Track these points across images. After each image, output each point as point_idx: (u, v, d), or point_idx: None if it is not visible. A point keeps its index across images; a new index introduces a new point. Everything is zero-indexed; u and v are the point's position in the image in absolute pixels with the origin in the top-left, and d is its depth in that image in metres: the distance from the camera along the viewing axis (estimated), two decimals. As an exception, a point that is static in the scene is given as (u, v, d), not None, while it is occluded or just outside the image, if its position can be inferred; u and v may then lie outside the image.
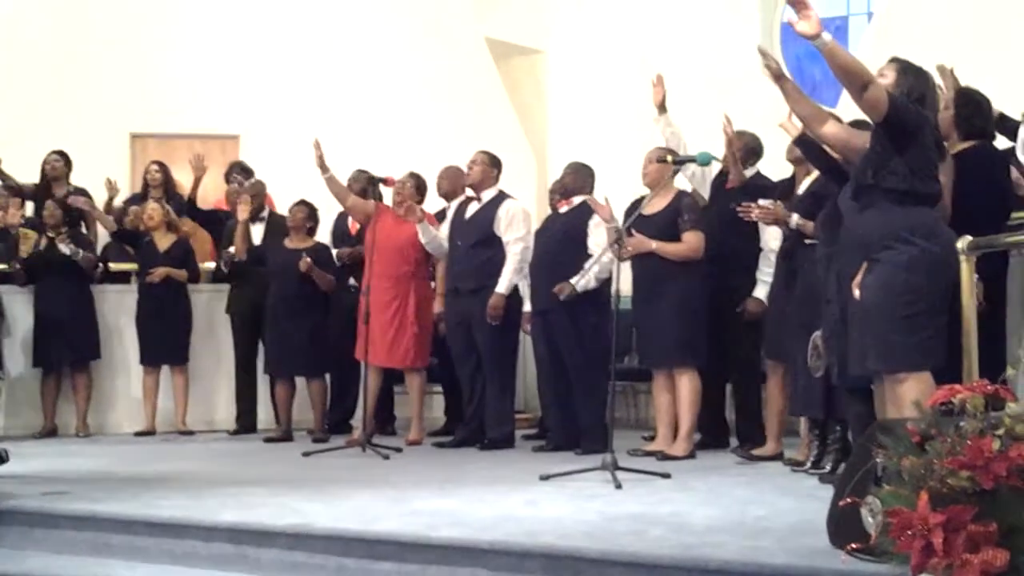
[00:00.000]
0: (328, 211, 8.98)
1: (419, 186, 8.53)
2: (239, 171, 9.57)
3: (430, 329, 8.37)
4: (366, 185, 8.69)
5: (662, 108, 7.75)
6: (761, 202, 6.66)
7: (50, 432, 8.95)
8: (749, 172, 7.40)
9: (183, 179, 10.03)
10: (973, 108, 5.89)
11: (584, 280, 7.24)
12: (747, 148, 7.39)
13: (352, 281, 8.68)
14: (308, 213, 8.68)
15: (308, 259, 8.41)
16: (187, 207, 9.62)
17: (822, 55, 4.52)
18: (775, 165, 7.42)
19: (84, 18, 10.86)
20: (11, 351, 9.00)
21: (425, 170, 8.81)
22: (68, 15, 10.85)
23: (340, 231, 9.13)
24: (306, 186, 8.90)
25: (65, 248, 8.85)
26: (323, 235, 9.02)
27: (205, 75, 11.06)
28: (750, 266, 7.29)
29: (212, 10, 11.13)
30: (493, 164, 8.16)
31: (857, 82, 4.56)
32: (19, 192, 9.49)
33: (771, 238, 7.10)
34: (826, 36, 4.49)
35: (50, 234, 9.01)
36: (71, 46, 10.80)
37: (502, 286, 7.85)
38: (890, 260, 4.65)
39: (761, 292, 7.26)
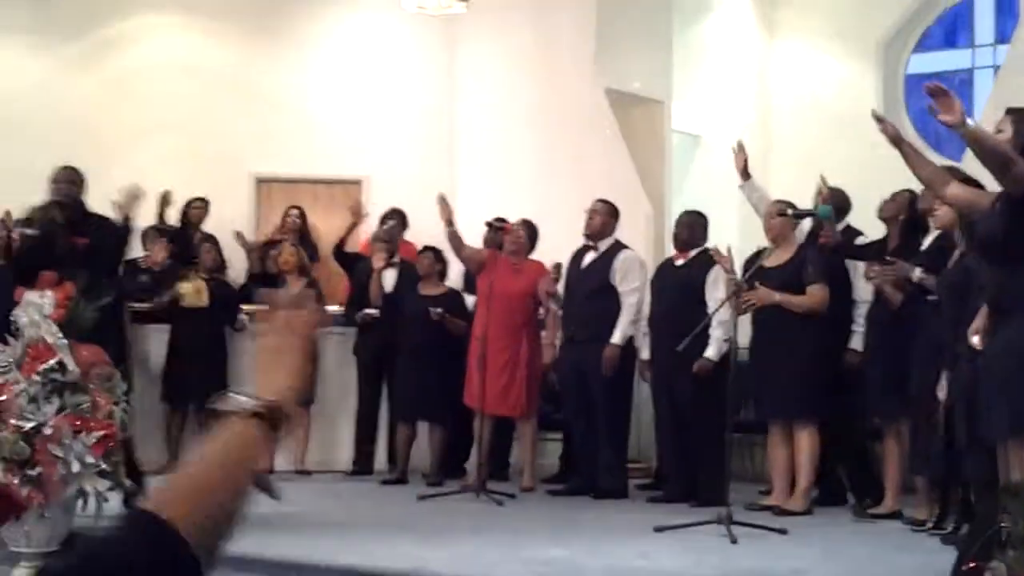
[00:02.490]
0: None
1: (532, 235, 8.60)
2: (394, 216, 9.70)
3: (540, 378, 8.40)
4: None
5: (745, 174, 7.77)
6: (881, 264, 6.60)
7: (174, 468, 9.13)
8: (838, 228, 7.37)
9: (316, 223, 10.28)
10: None
11: (716, 348, 7.29)
12: (835, 205, 7.33)
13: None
14: (434, 258, 8.79)
15: (440, 311, 8.49)
16: (335, 250, 9.78)
17: (965, 141, 4.49)
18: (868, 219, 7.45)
19: (211, 64, 11.16)
20: (141, 384, 9.20)
21: (543, 218, 8.87)
22: (196, 62, 11.16)
23: (471, 276, 9.20)
24: (428, 231, 9.01)
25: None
26: (454, 279, 9.10)
27: (330, 120, 11.27)
28: (842, 320, 7.26)
29: (337, 55, 11.37)
30: (612, 214, 8.20)
31: (999, 161, 4.51)
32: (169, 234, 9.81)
33: (863, 290, 7.11)
34: (970, 123, 4.46)
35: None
36: (199, 93, 11.09)
37: (617, 337, 7.86)
38: (1021, 322, 4.57)
39: (857, 343, 7.23)
